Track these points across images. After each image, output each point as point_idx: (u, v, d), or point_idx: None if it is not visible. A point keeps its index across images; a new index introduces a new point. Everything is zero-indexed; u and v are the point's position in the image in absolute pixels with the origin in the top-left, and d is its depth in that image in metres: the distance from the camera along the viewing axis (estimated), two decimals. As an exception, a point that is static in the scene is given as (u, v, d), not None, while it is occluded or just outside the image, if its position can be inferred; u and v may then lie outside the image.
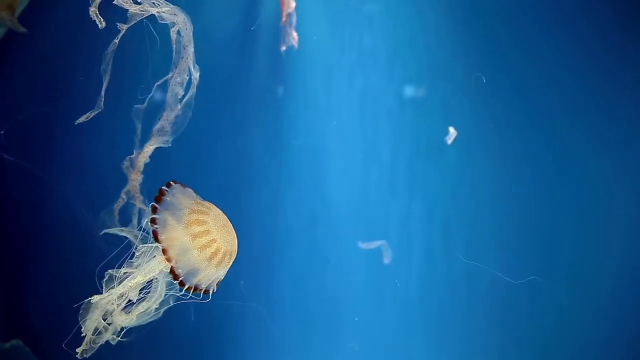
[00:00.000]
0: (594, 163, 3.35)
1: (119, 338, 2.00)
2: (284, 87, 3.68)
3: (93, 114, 2.15)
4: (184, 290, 1.85)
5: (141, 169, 2.33)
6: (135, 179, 2.30)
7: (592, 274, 3.40)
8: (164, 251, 1.80)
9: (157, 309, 2.05)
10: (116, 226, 2.28)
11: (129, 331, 2.01)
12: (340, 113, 3.70)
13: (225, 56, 3.63)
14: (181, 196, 1.91)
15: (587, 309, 3.41)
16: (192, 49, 2.17)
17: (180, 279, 1.81)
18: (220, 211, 1.96)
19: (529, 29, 3.44)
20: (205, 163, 3.52)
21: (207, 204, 1.95)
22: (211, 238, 1.85)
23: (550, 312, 3.45)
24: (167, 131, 2.27)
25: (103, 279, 1.91)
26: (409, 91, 3.63)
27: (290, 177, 3.66)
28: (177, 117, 2.25)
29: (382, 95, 3.64)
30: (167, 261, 1.80)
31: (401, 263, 3.57)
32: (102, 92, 2.14)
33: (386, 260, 3.56)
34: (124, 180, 2.33)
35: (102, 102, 2.15)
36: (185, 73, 2.19)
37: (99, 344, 1.95)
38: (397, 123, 3.63)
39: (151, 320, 2.11)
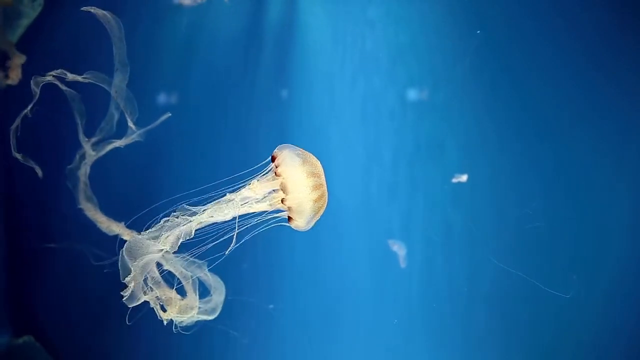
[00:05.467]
0: (594, 162, 3.36)
1: (178, 330, 2.03)
2: (288, 90, 3.74)
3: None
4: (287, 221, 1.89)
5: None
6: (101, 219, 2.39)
7: (593, 274, 3.40)
8: (282, 186, 1.85)
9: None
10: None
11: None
12: (343, 115, 3.75)
13: (230, 60, 3.70)
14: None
15: (588, 309, 3.42)
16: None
17: (288, 208, 1.86)
18: None
19: (529, 32, 3.45)
20: (210, 164, 3.59)
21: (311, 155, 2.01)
22: (320, 182, 1.91)
23: (552, 311, 3.46)
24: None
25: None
26: (410, 93, 3.66)
27: (293, 178, 3.70)
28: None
29: (384, 97, 3.68)
30: (283, 192, 1.85)
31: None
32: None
33: (402, 265, 3.59)
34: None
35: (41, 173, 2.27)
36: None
37: (141, 296, 1.96)
38: (399, 125, 3.67)
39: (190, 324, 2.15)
